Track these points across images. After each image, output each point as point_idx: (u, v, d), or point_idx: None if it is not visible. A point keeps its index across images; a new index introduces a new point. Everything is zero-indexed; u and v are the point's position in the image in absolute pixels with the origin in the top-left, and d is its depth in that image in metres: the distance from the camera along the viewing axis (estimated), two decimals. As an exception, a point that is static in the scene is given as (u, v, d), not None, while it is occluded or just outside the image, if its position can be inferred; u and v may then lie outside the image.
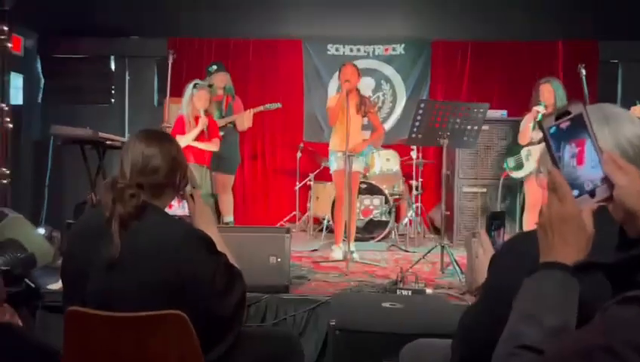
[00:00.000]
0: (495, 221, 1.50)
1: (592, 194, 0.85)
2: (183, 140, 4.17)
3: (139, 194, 1.50)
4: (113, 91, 6.36)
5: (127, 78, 6.30)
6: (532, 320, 0.81)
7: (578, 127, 0.86)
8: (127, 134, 5.70)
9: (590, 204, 0.85)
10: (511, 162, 4.46)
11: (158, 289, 1.43)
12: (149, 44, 6.18)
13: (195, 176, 4.26)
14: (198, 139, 4.28)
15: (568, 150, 0.86)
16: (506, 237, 1.42)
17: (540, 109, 4.04)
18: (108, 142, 4.03)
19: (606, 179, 0.85)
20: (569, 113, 0.86)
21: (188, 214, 1.79)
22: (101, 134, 3.94)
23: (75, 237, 1.60)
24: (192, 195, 1.78)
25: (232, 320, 1.56)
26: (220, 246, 1.60)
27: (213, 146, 4.38)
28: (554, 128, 0.87)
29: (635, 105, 3.50)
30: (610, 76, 6.07)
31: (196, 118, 4.29)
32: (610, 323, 0.66)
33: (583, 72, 4.24)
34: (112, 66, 6.38)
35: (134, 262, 1.44)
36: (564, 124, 0.86)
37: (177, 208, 1.91)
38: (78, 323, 1.42)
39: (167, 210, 1.66)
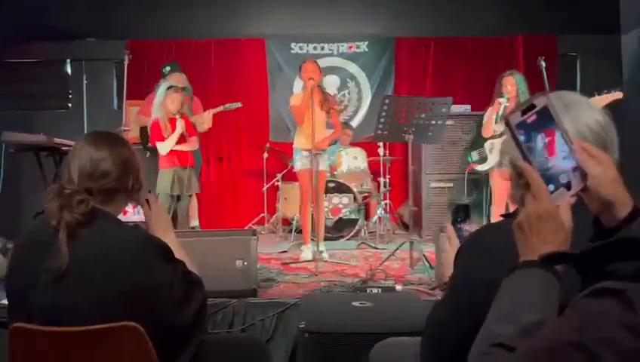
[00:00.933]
0: (460, 213, 1.47)
1: (568, 187, 0.82)
2: (165, 146, 4.16)
3: (88, 200, 1.41)
4: (70, 96, 6.14)
5: (85, 81, 6.10)
6: (509, 319, 0.77)
7: (545, 119, 0.83)
8: (86, 139, 5.50)
9: (567, 198, 0.82)
10: (474, 155, 4.49)
11: (111, 300, 1.35)
12: (106, 46, 5.98)
13: (184, 178, 4.21)
14: (177, 141, 4.25)
15: (539, 140, 0.83)
16: (473, 229, 1.39)
17: (502, 101, 4.08)
18: (64, 148, 3.86)
19: (579, 169, 0.82)
20: (534, 106, 0.84)
21: (144, 220, 1.71)
22: (56, 140, 3.79)
23: (20, 248, 1.49)
24: (147, 200, 1.70)
25: (193, 330, 1.48)
26: (178, 254, 1.52)
27: (192, 145, 4.38)
28: (521, 123, 0.84)
29: (594, 96, 3.55)
30: (569, 68, 6.22)
31: (171, 121, 4.22)
32: (580, 317, 0.62)
33: (543, 63, 4.30)
34: (69, 70, 6.16)
35: (84, 272, 1.35)
36: (531, 118, 0.84)
37: (132, 214, 1.81)
38: (23, 340, 1.33)
39: (121, 216, 1.58)
